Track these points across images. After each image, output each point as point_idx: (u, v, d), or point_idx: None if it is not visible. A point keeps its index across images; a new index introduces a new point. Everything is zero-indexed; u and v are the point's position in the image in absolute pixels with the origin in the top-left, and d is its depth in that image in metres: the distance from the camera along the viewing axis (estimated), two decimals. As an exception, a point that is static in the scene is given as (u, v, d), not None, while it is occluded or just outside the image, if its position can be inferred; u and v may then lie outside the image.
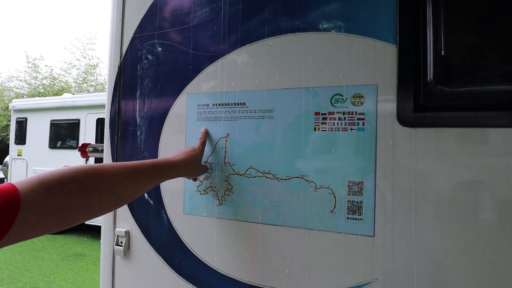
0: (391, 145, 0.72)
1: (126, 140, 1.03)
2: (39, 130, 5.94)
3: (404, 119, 0.72)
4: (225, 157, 0.88)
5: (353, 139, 0.75)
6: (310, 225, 0.78)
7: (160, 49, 0.98)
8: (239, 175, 0.86)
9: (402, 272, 0.71)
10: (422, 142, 0.70)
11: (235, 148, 0.87)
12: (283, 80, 0.82)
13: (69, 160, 5.39)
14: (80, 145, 1.37)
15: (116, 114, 1.05)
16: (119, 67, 1.05)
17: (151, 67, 1.00)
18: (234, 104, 0.87)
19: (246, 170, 0.85)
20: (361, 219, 0.74)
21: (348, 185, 0.75)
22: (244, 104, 0.86)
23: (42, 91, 14.15)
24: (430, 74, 0.70)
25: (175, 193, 0.95)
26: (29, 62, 14.37)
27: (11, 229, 0.46)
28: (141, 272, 0.99)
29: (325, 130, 0.77)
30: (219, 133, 0.89)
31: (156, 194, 0.97)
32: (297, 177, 0.79)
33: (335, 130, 0.77)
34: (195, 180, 0.91)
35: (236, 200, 0.86)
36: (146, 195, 0.99)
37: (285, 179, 0.81)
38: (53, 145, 5.85)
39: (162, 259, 0.95)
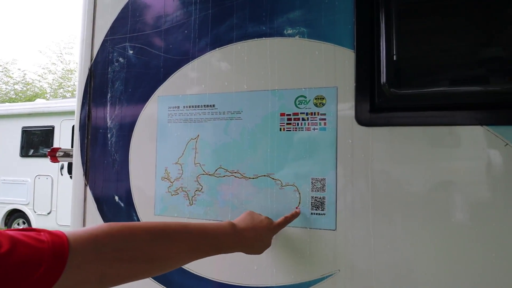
0: (350, 144, 0.77)
1: (97, 143, 1.03)
2: (9, 138, 5.70)
3: (362, 119, 0.77)
4: (195, 157, 0.90)
5: (315, 138, 0.79)
6: (277, 221, 0.81)
7: (131, 52, 1.00)
8: (209, 175, 0.88)
9: (362, 263, 0.75)
10: (377, 140, 0.75)
11: (205, 148, 0.89)
12: (251, 82, 0.86)
13: (42, 169, 5.19)
14: (49, 149, 1.34)
15: (86, 117, 1.05)
16: (90, 70, 1.05)
17: (122, 70, 1.01)
18: (204, 106, 0.90)
19: (216, 170, 0.87)
20: (324, 214, 0.78)
21: (312, 182, 0.79)
22: (213, 106, 0.89)
23: (14, 96, 13.57)
24: (384, 78, 0.76)
25: (146, 194, 0.95)
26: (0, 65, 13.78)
27: None
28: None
29: (290, 130, 0.81)
30: (190, 135, 0.91)
31: (127, 196, 0.98)
32: (264, 175, 0.83)
33: (299, 130, 0.81)
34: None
35: (206, 200, 0.88)
36: (116, 197, 0.99)
37: (253, 178, 0.84)
38: (24, 153, 5.62)
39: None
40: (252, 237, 0.69)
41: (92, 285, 0.48)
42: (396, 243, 0.73)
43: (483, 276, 0.68)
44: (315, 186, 0.79)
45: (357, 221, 0.76)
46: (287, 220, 0.76)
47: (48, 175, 5.10)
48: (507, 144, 0.69)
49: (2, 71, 13.80)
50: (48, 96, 13.55)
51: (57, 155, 1.35)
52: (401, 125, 0.74)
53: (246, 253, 0.71)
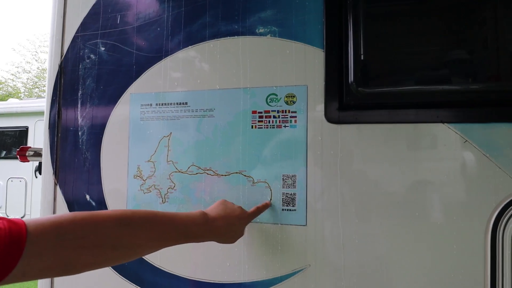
0: (320, 141, 0.79)
1: (67, 142, 1.01)
2: (-21, 139, 5.43)
3: (331, 117, 0.79)
4: (168, 155, 0.89)
5: (286, 135, 0.81)
6: (249, 218, 0.82)
7: (103, 48, 0.98)
8: (182, 172, 0.88)
9: (332, 257, 0.77)
10: (346, 137, 0.78)
11: (177, 146, 0.89)
12: (223, 80, 0.87)
13: (16, 172, 4.98)
14: (19, 149, 1.29)
15: (56, 114, 1.02)
16: (60, 67, 1.03)
17: (94, 67, 0.99)
18: (177, 103, 0.89)
19: (188, 168, 0.87)
20: (295, 210, 0.79)
21: (283, 178, 0.80)
22: (186, 103, 0.89)
23: (-17, 96, 12.94)
24: (352, 77, 0.78)
25: (118, 192, 0.94)
26: (-32, 64, 13.05)
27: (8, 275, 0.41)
28: (82, 276, 0.96)
29: (262, 128, 0.82)
30: (162, 132, 0.90)
31: (99, 195, 0.96)
32: (236, 172, 0.83)
33: (270, 128, 0.82)
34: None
35: (179, 197, 0.88)
36: (88, 196, 0.97)
37: (225, 175, 0.84)
38: (-4, 154, 5.37)
39: (104, 261, 0.93)
40: (224, 226, 0.68)
41: (57, 272, 0.48)
42: (365, 238, 0.75)
43: (450, 267, 0.71)
44: (286, 183, 0.80)
45: (327, 216, 0.78)
46: (259, 210, 0.77)
47: (21, 178, 4.91)
48: (466, 141, 0.73)
49: (-29, 70, 13.12)
50: (22, 96, 13.01)
51: (27, 154, 1.31)
52: (368, 123, 0.77)
53: (218, 242, 0.71)
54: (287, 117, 0.81)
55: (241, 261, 0.82)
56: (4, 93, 12.92)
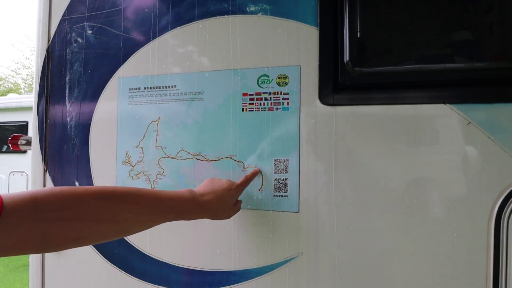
0: (314, 123, 0.75)
1: (55, 128, 0.98)
2: (-20, 134, 5.45)
3: (325, 98, 0.75)
4: (156, 140, 0.86)
5: (278, 118, 0.77)
6: (240, 204, 0.79)
7: (90, 32, 0.95)
8: (171, 158, 0.85)
9: (325, 245, 0.74)
10: (341, 120, 0.74)
11: (166, 131, 0.85)
12: (213, 62, 0.83)
13: (17, 166, 4.99)
14: (11, 137, 1.27)
15: (44, 100, 0.99)
16: (47, 51, 0.99)
17: (81, 51, 0.96)
18: (165, 87, 0.86)
19: (177, 153, 0.84)
20: (287, 196, 0.76)
21: (275, 163, 0.77)
22: (174, 86, 0.85)
23: (-17, 92, 12.99)
24: (347, 56, 0.74)
25: (107, 179, 0.91)
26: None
27: None
28: (73, 265, 0.94)
29: (253, 111, 0.79)
30: (151, 117, 0.87)
31: (88, 181, 0.93)
32: (226, 157, 0.80)
33: (261, 110, 0.78)
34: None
35: (168, 184, 0.85)
36: (77, 182, 0.95)
37: (215, 160, 0.81)
38: (-2, 149, 5.39)
39: (94, 248, 0.91)
40: (213, 201, 0.65)
41: (35, 246, 0.45)
42: (359, 224, 0.72)
43: (451, 255, 0.68)
44: (278, 168, 0.77)
45: (320, 203, 0.74)
46: (248, 179, 0.75)
47: (23, 172, 4.92)
48: (469, 122, 0.68)
49: (-27, 67, 13.16)
50: (22, 91, 13.03)
51: (19, 143, 1.28)
52: (364, 104, 0.73)
53: (212, 219, 0.69)
54: (279, 99, 0.77)
55: (232, 249, 0.79)
56: (5, 89, 12.96)
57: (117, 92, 0.91)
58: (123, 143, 0.90)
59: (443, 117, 0.70)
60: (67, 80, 0.97)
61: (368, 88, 0.74)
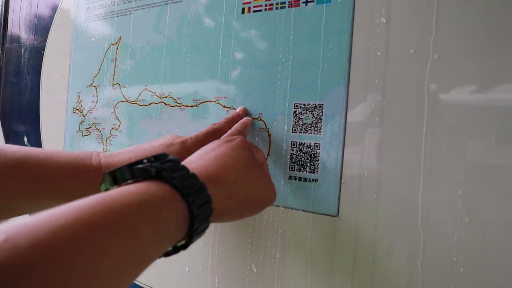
0: (384, 24, 0.35)
1: (10, 63, 0.73)
2: None
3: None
4: (114, 75, 0.54)
5: (307, 22, 0.38)
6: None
7: None
8: (130, 102, 0.52)
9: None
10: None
11: (127, 59, 0.53)
12: None
13: None
14: None
15: (1, 27, 0.75)
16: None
17: (39, -49, 0.67)
18: (130, -14, 0.53)
19: (140, 95, 0.51)
20: (316, 179, 0.37)
21: (295, 112, 0.39)
22: (142, -17, 0.51)
23: None
24: None
25: (55, 134, 0.63)
26: None
27: None
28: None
29: (260, 10, 0.41)
30: (109, 38, 0.55)
31: (36, 137, 0.66)
32: (210, 101, 0.44)
33: (275, 8, 0.40)
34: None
35: (124, 144, 0.52)
36: (25, 138, 0.69)
37: (193, 106, 0.46)
38: None
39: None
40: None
41: None
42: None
43: None
44: (300, 122, 0.38)
45: (395, 199, 0.34)
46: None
47: None
48: None
49: None
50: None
51: None
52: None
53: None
54: (314, -15, 0.38)
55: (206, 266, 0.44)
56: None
57: (75, 5, 0.61)
58: (75, 82, 0.60)
59: None
60: (25, -4, 0.70)
61: None
